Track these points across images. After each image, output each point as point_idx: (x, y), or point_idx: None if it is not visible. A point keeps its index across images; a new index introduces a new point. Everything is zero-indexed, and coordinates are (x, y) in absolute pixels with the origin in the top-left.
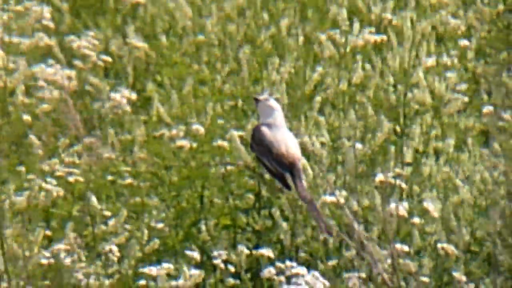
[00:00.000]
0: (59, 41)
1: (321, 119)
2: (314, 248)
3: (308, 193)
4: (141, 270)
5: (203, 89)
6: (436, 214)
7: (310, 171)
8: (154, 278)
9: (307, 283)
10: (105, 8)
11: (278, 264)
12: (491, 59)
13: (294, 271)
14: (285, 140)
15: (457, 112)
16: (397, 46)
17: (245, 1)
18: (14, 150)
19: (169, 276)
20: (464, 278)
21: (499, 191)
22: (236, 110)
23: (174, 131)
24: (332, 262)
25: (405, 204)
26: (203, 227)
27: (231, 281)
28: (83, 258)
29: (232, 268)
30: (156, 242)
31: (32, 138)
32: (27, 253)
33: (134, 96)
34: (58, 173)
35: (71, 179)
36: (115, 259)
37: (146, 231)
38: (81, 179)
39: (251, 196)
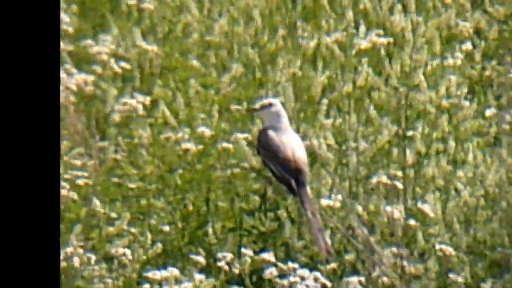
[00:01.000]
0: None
1: (327, 121)
2: (315, 252)
3: (312, 205)
4: (145, 274)
5: (208, 92)
6: (436, 215)
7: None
8: (159, 282)
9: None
10: (116, 11)
11: (280, 265)
12: (500, 60)
13: (297, 273)
14: (291, 144)
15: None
16: (401, 48)
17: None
18: None
19: (175, 279)
20: (467, 280)
21: (505, 194)
22: (242, 112)
23: (179, 134)
24: (332, 265)
25: (405, 206)
26: (210, 230)
27: None
28: (90, 261)
29: (236, 271)
30: (159, 247)
31: None
32: None
33: (148, 100)
34: (66, 176)
35: (80, 182)
36: (127, 262)
37: (149, 235)
38: (90, 182)
39: (256, 198)
